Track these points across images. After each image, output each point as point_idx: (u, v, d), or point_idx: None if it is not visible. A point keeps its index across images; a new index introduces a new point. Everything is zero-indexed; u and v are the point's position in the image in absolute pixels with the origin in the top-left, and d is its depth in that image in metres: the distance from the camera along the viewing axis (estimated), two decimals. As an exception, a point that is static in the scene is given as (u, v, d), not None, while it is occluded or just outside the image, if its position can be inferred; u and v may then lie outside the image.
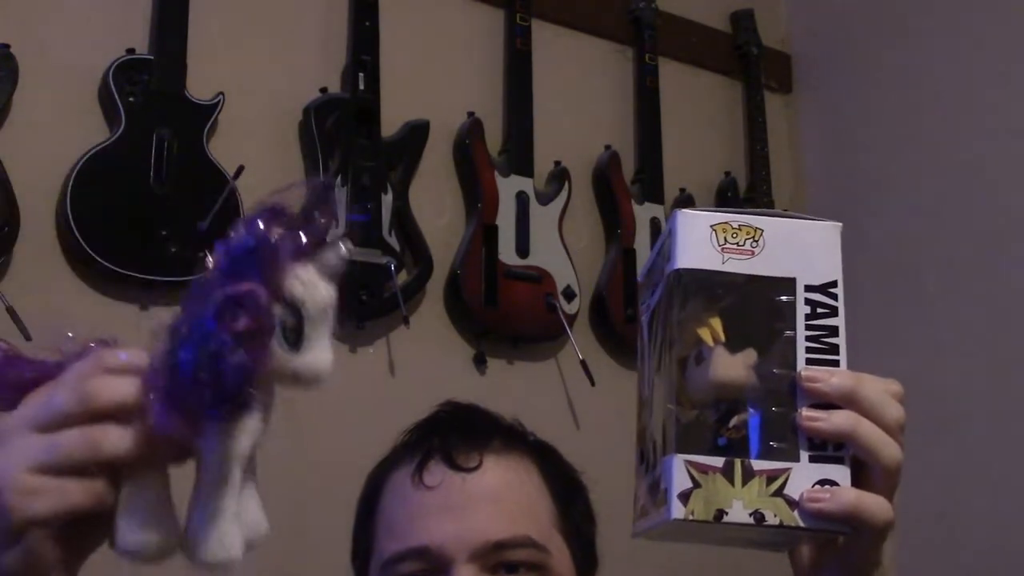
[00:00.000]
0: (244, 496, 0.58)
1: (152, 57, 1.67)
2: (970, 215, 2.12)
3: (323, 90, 1.85)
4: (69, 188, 1.55)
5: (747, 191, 2.38)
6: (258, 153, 1.75)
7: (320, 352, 0.58)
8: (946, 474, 1.94)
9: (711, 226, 0.61)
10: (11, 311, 1.45)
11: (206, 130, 1.68)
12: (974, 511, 1.97)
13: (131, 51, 1.66)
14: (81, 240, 1.54)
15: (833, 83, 2.50)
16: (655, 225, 2.16)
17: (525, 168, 2.02)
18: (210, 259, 0.54)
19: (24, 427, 0.55)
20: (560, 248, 2.02)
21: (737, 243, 0.61)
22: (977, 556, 1.94)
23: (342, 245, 0.60)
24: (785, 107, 2.56)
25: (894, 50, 2.34)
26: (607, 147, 2.18)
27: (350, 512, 1.06)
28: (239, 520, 0.56)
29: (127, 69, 1.64)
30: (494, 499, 0.96)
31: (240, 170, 1.65)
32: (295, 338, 0.57)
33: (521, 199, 1.99)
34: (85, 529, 0.57)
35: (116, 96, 1.62)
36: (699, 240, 0.61)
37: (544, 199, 2.02)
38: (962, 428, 2.00)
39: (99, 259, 1.55)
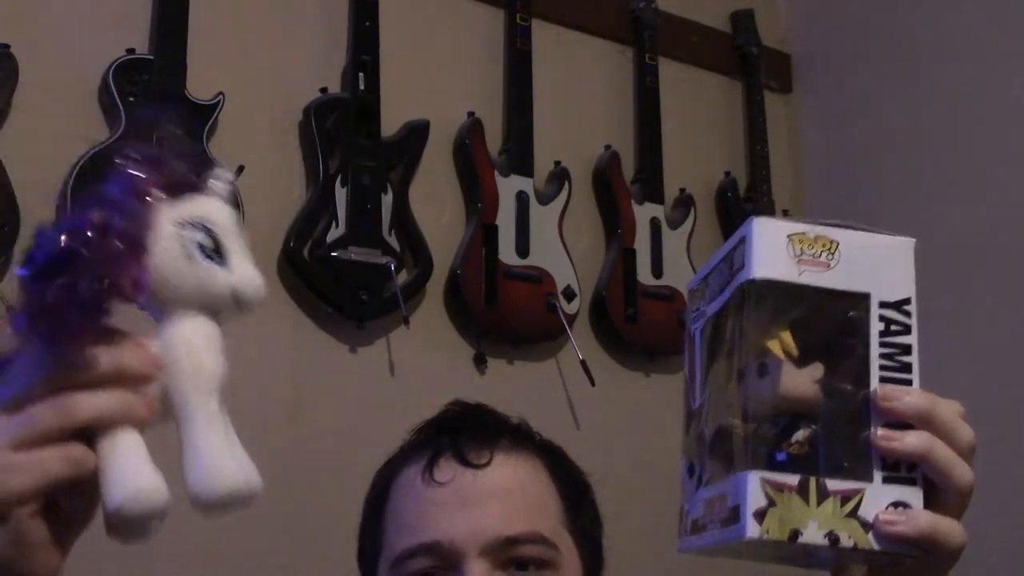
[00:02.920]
0: (231, 438, 0.58)
1: (152, 57, 1.67)
2: (970, 215, 2.12)
3: (323, 90, 1.85)
4: (69, 188, 1.55)
5: (747, 191, 2.38)
6: (258, 153, 1.75)
7: (247, 263, 0.59)
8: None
9: (788, 236, 0.60)
10: (11, 311, 1.45)
11: (206, 130, 1.68)
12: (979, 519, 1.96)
13: (131, 51, 1.66)
14: (81, 240, 1.54)
15: (833, 83, 2.50)
16: (655, 225, 2.16)
17: (525, 168, 2.02)
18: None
19: None
20: (560, 248, 2.02)
21: (813, 254, 0.59)
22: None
23: (220, 172, 0.62)
24: (785, 107, 2.56)
25: (894, 50, 2.34)
26: (607, 147, 2.18)
27: (351, 512, 1.06)
28: (232, 454, 0.56)
29: (127, 69, 1.64)
30: (505, 495, 0.96)
31: (240, 170, 1.65)
32: (218, 255, 0.58)
33: (521, 199, 1.99)
34: (72, 504, 0.57)
35: (116, 96, 1.62)
36: (776, 250, 0.59)
37: (544, 199, 2.02)
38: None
39: (99, 259, 1.55)
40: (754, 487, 0.56)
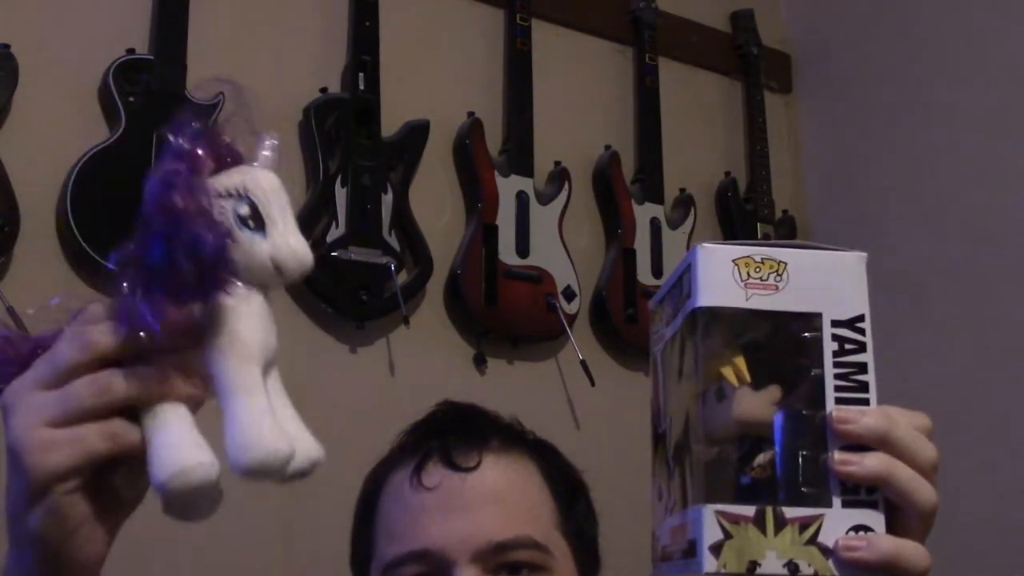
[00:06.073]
0: (280, 411, 0.58)
1: (152, 57, 1.67)
2: (971, 215, 2.12)
3: (323, 90, 1.85)
4: (69, 188, 1.55)
5: (747, 191, 2.38)
6: (258, 153, 1.75)
7: (288, 232, 0.57)
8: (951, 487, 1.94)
9: (733, 260, 0.59)
10: (11, 311, 1.45)
11: (206, 130, 1.68)
12: (977, 523, 1.96)
13: (131, 51, 1.66)
14: (81, 240, 1.54)
15: (833, 83, 2.50)
16: (655, 225, 2.16)
17: (525, 168, 2.02)
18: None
19: (32, 387, 0.55)
20: (560, 248, 2.02)
21: (760, 278, 0.58)
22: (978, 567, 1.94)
23: (267, 138, 0.61)
24: (785, 107, 2.56)
25: (894, 50, 2.34)
26: (607, 147, 2.18)
27: (349, 513, 1.06)
28: (274, 420, 0.55)
29: (127, 69, 1.64)
30: (495, 499, 0.95)
31: (240, 170, 1.65)
32: (257, 224, 0.57)
33: (521, 199, 1.99)
34: (121, 482, 0.57)
35: (116, 96, 1.62)
36: (721, 276, 0.58)
37: (544, 199, 2.02)
38: (962, 436, 2.00)
39: (99, 259, 1.55)
40: (709, 521, 0.55)
